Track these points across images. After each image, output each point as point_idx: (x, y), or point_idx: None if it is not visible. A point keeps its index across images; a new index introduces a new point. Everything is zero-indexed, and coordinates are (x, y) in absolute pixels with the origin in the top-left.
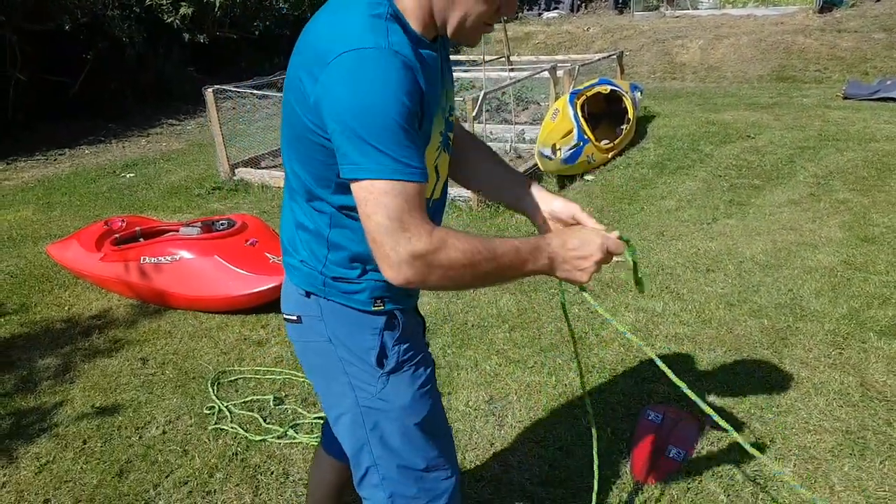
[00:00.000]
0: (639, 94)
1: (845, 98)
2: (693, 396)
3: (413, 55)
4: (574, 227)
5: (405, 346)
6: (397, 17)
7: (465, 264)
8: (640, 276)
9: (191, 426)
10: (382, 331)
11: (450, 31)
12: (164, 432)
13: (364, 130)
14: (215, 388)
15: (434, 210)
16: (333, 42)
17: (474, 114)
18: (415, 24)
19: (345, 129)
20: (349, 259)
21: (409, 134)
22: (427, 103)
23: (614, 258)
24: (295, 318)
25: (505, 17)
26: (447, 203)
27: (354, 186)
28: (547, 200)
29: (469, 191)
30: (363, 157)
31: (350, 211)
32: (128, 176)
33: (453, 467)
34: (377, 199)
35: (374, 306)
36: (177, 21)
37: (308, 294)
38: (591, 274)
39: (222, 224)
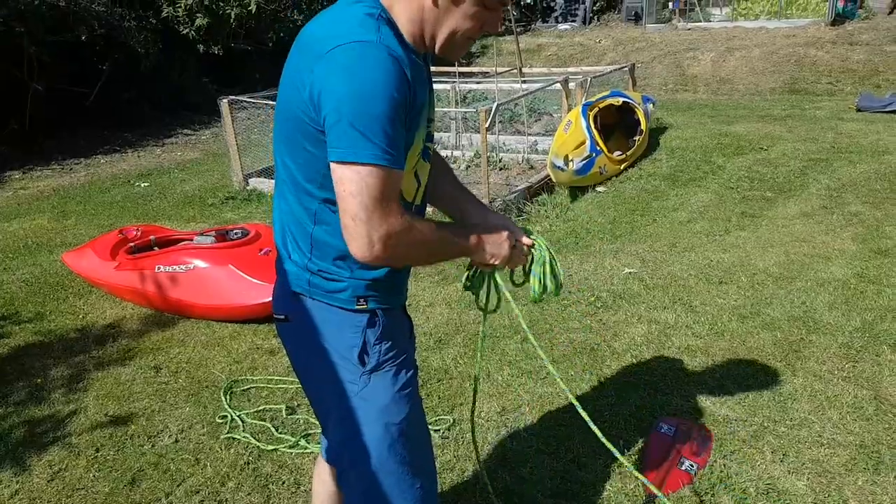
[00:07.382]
0: (651, 105)
1: (858, 110)
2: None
3: (403, 53)
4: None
5: (387, 345)
6: (390, 22)
7: (423, 242)
8: (555, 270)
9: (203, 435)
10: (365, 329)
11: (438, 45)
12: (176, 441)
13: (355, 118)
14: (228, 397)
15: (415, 215)
16: (328, 37)
17: (487, 125)
18: (405, 37)
19: (339, 116)
20: (333, 256)
21: (395, 124)
22: (416, 100)
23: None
24: (283, 317)
25: (489, 32)
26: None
27: (338, 167)
28: (484, 215)
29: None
30: (351, 143)
31: (334, 205)
32: (142, 185)
33: (431, 474)
34: (362, 180)
35: (357, 305)
36: (192, 32)
37: (295, 294)
38: (505, 258)
39: (236, 233)
